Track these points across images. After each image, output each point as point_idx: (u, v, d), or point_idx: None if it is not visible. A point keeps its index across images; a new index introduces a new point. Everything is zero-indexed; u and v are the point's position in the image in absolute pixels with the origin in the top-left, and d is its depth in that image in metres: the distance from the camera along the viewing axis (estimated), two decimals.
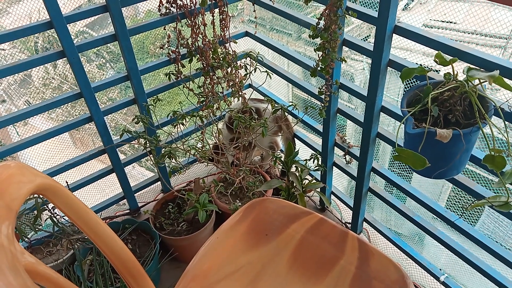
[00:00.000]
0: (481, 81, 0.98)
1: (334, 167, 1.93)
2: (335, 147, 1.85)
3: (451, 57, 1.02)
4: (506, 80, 0.94)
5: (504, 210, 0.97)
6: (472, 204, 1.06)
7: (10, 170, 0.67)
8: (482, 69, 1.01)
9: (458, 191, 1.42)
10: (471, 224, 1.48)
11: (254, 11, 1.69)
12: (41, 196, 1.49)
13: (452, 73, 1.03)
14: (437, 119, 1.03)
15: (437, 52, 1.04)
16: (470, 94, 0.98)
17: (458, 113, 1.01)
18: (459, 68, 1.04)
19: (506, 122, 1.04)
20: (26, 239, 1.73)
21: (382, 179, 1.71)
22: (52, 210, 1.60)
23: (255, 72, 1.80)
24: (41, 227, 1.68)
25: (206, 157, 1.74)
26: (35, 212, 1.49)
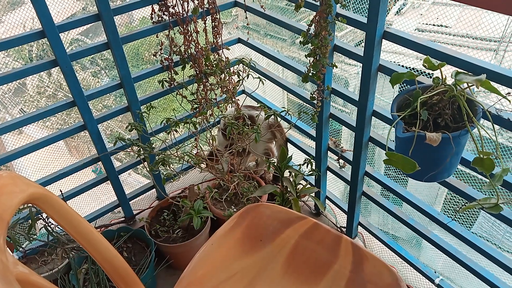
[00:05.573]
0: (469, 84, 0.99)
1: (328, 171, 1.94)
2: (328, 151, 1.86)
3: (439, 62, 1.03)
4: (493, 83, 0.95)
5: (495, 211, 0.98)
6: (463, 206, 1.06)
7: (2, 180, 0.68)
8: (470, 73, 1.02)
9: (454, 194, 1.43)
10: (468, 227, 1.49)
11: (246, 17, 1.71)
12: (35, 206, 1.49)
13: (440, 77, 1.05)
14: (427, 123, 1.04)
15: (425, 56, 1.06)
16: (458, 98, 0.99)
17: (447, 116, 1.02)
18: (448, 72, 1.05)
19: (495, 125, 1.05)
20: (21, 248, 1.72)
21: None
22: (46, 219, 1.59)
23: (247, 78, 1.81)
24: (35, 236, 1.67)
25: (200, 163, 1.74)
26: (30, 221, 1.49)
